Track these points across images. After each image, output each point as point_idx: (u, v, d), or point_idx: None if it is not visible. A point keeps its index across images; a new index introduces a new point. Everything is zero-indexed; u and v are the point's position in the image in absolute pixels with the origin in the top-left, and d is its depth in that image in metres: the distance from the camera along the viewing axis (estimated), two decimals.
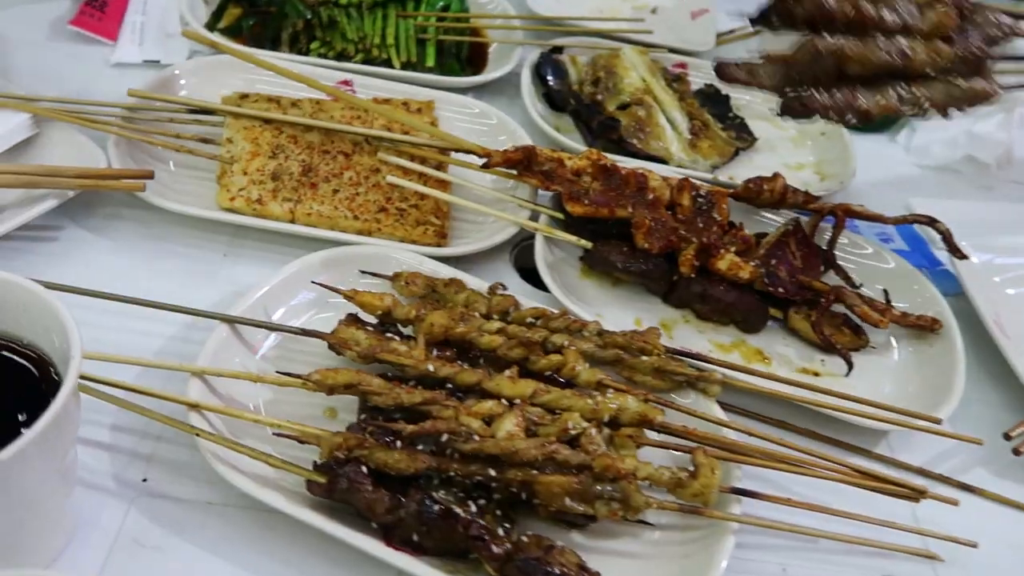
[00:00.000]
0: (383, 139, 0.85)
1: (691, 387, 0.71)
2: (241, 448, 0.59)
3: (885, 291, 0.89)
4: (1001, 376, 0.83)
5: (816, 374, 0.81)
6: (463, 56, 1.13)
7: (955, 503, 0.67)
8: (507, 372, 0.65)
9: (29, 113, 0.80)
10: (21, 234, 0.76)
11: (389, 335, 0.69)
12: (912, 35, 0.71)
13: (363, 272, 0.77)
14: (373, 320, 0.71)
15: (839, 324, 0.83)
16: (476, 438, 0.59)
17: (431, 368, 0.64)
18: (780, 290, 0.81)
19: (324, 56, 1.04)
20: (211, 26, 1.06)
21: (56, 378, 0.52)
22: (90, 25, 1.04)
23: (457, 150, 0.86)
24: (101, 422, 0.65)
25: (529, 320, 0.73)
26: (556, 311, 0.74)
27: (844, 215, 0.90)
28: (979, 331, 0.85)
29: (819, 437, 0.75)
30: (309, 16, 1.05)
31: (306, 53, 1.04)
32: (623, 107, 1.03)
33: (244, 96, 0.90)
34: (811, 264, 0.86)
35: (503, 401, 0.63)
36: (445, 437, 0.58)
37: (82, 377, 0.51)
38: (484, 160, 0.83)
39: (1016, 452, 0.72)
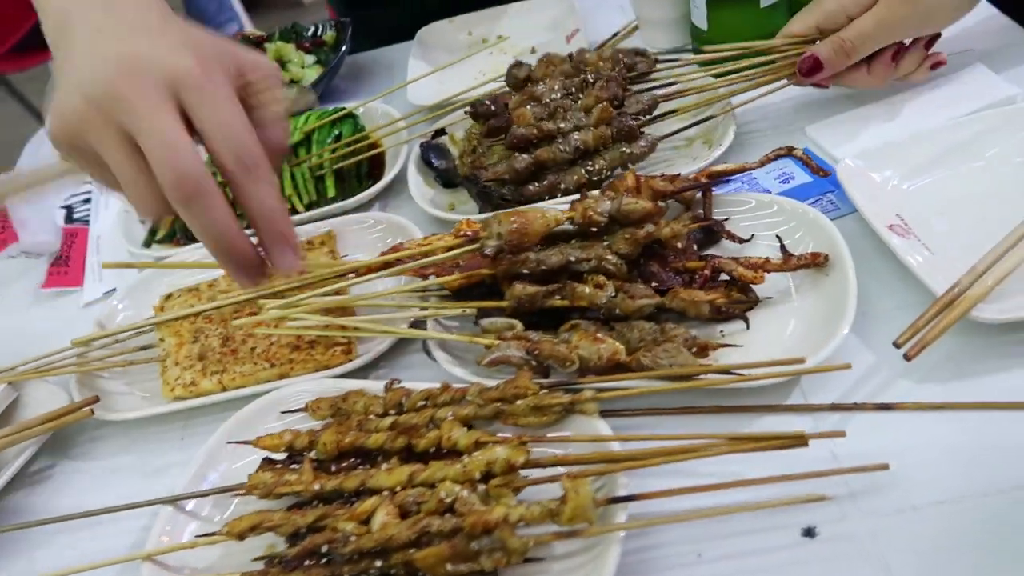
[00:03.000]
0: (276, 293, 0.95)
1: (571, 412, 0.74)
2: None
3: (779, 237, 0.88)
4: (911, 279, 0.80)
5: (720, 345, 0.81)
6: (363, 172, 1.23)
7: (841, 435, 0.65)
8: (384, 465, 0.71)
9: (3, 384, 0.96)
10: (33, 478, 0.92)
11: (295, 466, 0.77)
12: (583, 130, 1.00)
13: (283, 412, 0.86)
14: (282, 456, 0.79)
15: (727, 291, 0.84)
16: (354, 538, 0.65)
17: (317, 487, 0.71)
18: (653, 284, 0.83)
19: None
20: (149, 241, 1.21)
21: None
22: (60, 281, 1.21)
23: (340, 273, 0.94)
24: None
25: (420, 404, 0.79)
26: (439, 387, 0.79)
27: (709, 181, 0.91)
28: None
29: (725, 409, 0.76)
30: None
31: None
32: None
33: (168, 296, 1.03)
34: (687, 244, 0.87)
35: (386, 492, 0.69)
36: (325, 547, 0.65)
37: None
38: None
39: (907, 358, 0.69)
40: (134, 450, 0.94)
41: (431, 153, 1.17)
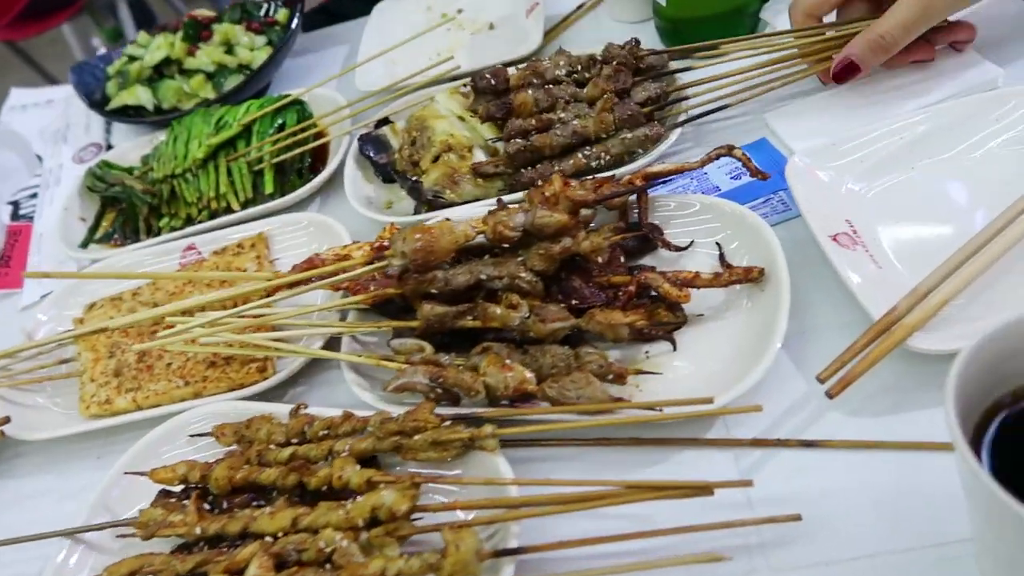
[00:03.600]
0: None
1: (472, 448, 0.69)
2: None
3: (718, 245, 0.82)
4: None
5: (638, 371, 0.75)
6: (306, 165, 1.17)
7: (749, 484, 0.60)
8: (268, 508, 0.67)
9: None
10: None
11: (185, 502, 0.73)
12: (583, 117, 0.94)
13: (192, 436, 0.82)
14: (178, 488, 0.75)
15: (655, 308, 0.77)
16: None
17: (199, 531, 0.67)
18: (574, 302, 0.77)
19: (175, 228, 1.12)
20: (87, 241, 1.17)
21: None
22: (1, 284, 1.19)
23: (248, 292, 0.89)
24: None
25: (322, 433, 0.75)
26: (340, 416, 0.75)
27: (644, 182, 0.84)
28: None
29: (642, 442, 0.70)
30: (149, 200, 1.14)
31: (158, 233, 1.13)
32: (436, 158, 1.02)
33: (91, 306, 1.00)
34: (612, 256, 0.80)
35: (268, 538, 0.65)
36: None
37: None
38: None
39: (829, 396, 0.63)
40: (52, 469, 0.91)
41: (369, 146, 1.10)
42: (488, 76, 1.03)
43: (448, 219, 0.76)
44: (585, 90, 0.96)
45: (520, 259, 0.76)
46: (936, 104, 0.87)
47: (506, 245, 0.77)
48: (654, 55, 0.98)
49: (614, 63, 0.96)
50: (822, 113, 0.93)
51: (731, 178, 0.92)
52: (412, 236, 0.74)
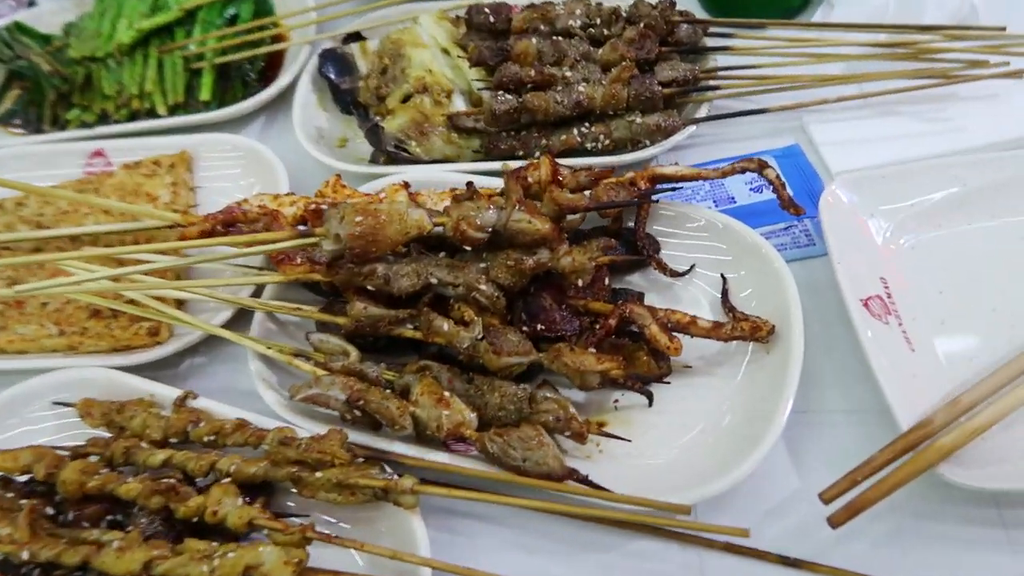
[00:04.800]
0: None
1: (386, 499, 0.56)
2: None
3: (723, 278, 0.67)
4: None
5: (600, 423, 0.62)
6: (255, 72, 0.98)
7: None
8: (118, 541, 0.54)
9: None
10: None
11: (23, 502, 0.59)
12: (592, 83, 0.76)
13: (55, 404, 0.68)
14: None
15: (633, 351, 0.63)
16: None
17: (26, 555, 0.54)
18: (539, 327, 0.62)
19: (86, 125, 0.94)
20: None
21: None
22: None
23: (154, 228, 0.73)
24: None
25: (208, 438, 0.61)
26: (232, 424, 0.61)
27: (650, 185, 0.69)
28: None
29: (597, 519, 0.57)
30: (58, 84, 0.94)
31: (64, 126, 0.94)
32: (407, 98, 0.85)
33: None
34: (596, 277, 0.65)
35: None
36: None
37: None
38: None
39: (831, 523, 0.50)
40: None
41: (331, 65, 0.92)
42: (487, 10, 0.84)
43: (400, 202, 0.60)
44: (600, 51, 0.79)
45: (483, 265, 0.61)
46: (1012, 150, 0.72)
47: (467, 248, 0.61)
48: (688, 25, 0.80)
49: (641, 24, 0.79)
50: (870, 129, 0.78)
51: (751, 190, 0.77)
52: (352, 217, 0.58)
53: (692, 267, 0.69)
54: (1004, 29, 0.75)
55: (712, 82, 0.79)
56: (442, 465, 0.57)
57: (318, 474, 0.56)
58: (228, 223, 0.70)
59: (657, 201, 0.69)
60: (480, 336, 0.60)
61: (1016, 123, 0.75)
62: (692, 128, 0.76)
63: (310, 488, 0.57)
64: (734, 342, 0.62)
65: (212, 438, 0.61)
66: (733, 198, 0.77)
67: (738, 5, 0.90)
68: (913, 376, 0.58)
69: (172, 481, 0.57)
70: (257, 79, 0.97)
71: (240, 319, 0.72)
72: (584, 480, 0.55)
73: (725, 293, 0.66)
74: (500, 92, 0.77)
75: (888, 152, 0.75)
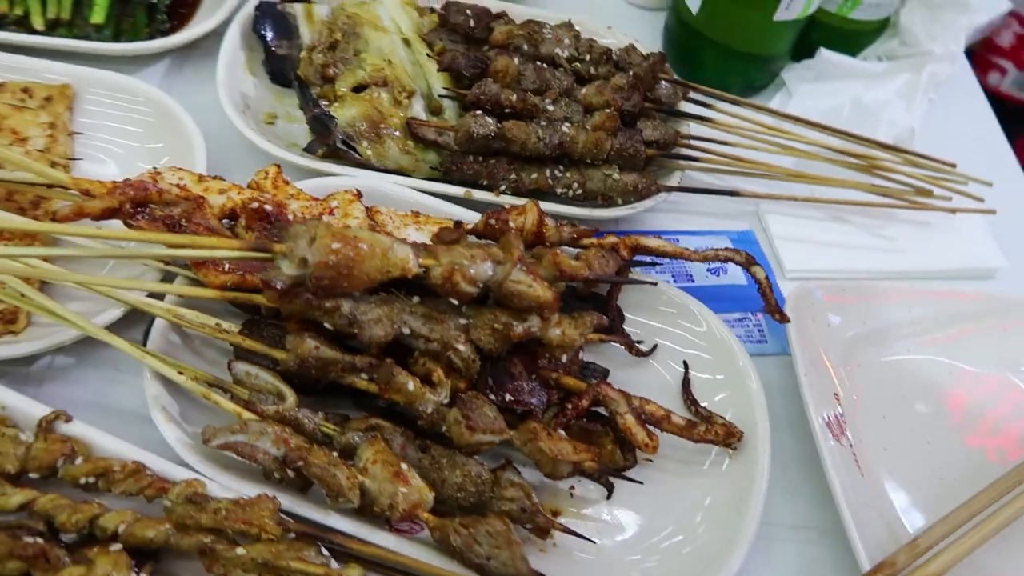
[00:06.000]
0: None
1: None
2: None
3: (685, 365, 0.65)
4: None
5: (555, 512, 0.57)
6: (162, 4, 0.81)
7: None
8: None
9: None
10: None
11: None
12: (576, 125, 0.70)
13: None
14: None
15: (600, 436, 0.59)
16: None
17: None
18: (507, 397, 0.56)
19: None
20: None
21: None
22: None
23: (36, 184, 0.57)
24: None
25: (87, 481, 0.48)
26: (123, 467, 0.48)
27: (631, 254, 0.64)
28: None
29: None
30: None
31: None
32: (361, 88, 0.74)
33: None
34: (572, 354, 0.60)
35: None
36: None
37: None
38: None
39: None
40: None
41: (268, 23, 0.78)
42: (467, 11, 0.76)
43: (384, 238, 0.50)
44: (585, 90, 0.73)
45: (463, 322, 0.53)
46: (939, 281, 0.76)
47: (454, 301, 0.53)
48: (668, 84, 0.77)
49: (631, 73, 0.74)
50: (822, 232, 0.80)
51: (709, 271, 0.75)
52: (327, 242, 0.48)
53: (655, 347, 0.66)
54: (955, 166, 0.80)
55: (690, 152, 0.76)
56: (394, 555, 0.48)
57: (239, 550, 0.46)
58: (139, 203, 0.56)
59: (655, 284, 0.66)
60: (446, 401, 0.53)
61: (942, 257, 0.79)
62: (665, 195, 0.73)
63: (224, 565, 0.46)
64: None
65: (94, 480, 0.48)
66: (691, 276, 0.74)
67: (703, 69, 0.89)
68: (867, 502, 0.59)
69: (40, 542, 0.43)
70: (167, 14, 0.81)
71: (129, 319, 0.58)
72: None
73: (686, 383, 0.64)
74: (479, 112, 0.69)
75: (836, 260, 0.77)
